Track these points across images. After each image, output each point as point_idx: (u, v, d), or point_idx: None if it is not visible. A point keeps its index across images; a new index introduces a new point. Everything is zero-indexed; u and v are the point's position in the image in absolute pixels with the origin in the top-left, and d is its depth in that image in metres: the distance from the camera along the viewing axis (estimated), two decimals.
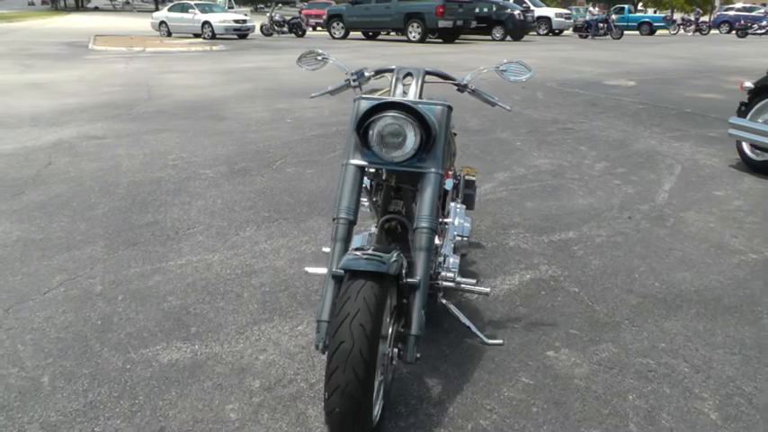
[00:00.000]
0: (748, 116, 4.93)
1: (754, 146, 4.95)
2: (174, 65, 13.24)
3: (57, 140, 5.79)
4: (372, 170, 2.15)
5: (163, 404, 2.20)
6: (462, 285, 2.47)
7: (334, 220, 2.07)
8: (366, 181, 2.42)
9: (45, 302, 2.91)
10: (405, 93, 2.24)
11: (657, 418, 2.09)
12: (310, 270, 2.63)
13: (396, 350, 1.92)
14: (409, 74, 2.27)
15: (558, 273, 3.17)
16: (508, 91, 8.66)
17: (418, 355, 1.94)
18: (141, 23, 31.75)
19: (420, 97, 2.21)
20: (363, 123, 2.01)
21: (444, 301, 2.59)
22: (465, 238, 2.83)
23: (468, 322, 2.56)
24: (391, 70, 2.34)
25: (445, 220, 2.86)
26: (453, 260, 2.64)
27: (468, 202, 3.38)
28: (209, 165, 5.17)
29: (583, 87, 9.79)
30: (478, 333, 2.54)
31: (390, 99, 2.03)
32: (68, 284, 3.09)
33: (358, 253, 1.82)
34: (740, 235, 3.68)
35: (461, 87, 2.35)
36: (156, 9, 40.45)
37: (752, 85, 4.95)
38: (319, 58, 2.50)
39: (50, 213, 4.02)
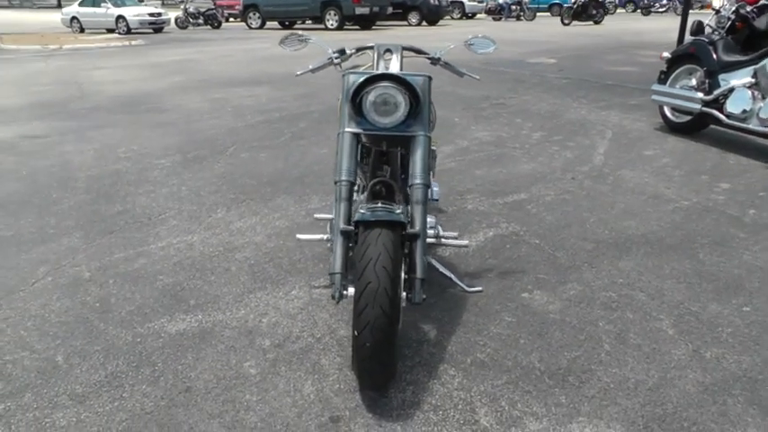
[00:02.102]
0: (668, 83, 5.47)
1: (674, 109, 5.50)
2: (97, 61, 12.83)
3: None
4: (365, 138, 2.36)
5: (182, 368, 2.35)
6: (446, 240, 2.73)
7: (336, 183, 2.28)
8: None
9: (36, 292, 2.96)
10: (387, 67, 2.47)
11: (626, 337, 2.44)
12: (302, 237, 2.82)
13: (404, 293, 2.16)
14: (389, 50, 2.50)
15: (517, 228, 3.49)
16: (435, 72, 8.98)
17: (424, 297, 2.18)
18: (46, 19, 30.18)
19: (401, 70, 2.45)
20: (358, 94, 2.23)
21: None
22: (435, 201, 3.10)
23: (449, 273, 2.84)
24: (371, 47, 2.56)
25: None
26: (430, 219, 2.90)
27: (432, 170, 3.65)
28: (162, 155, 5.20)
29: (507, 66, 10.27)
30: (459, 282, 2.82)
31: (381, 72, 2.25)
32: (55, 274, 3.14)
33: (369, 206, 2.04)
34: (672, 186, 4.14)
35: (434, 61, 2.60)
36: (59, 5, 38.42)
37: (669, 55, 5.50)
38: (301, 39, 2.68)
39: (14, 211, 4.00)
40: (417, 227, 2.20)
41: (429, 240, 2.75)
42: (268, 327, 2.60)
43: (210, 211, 3.94)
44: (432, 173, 3.29)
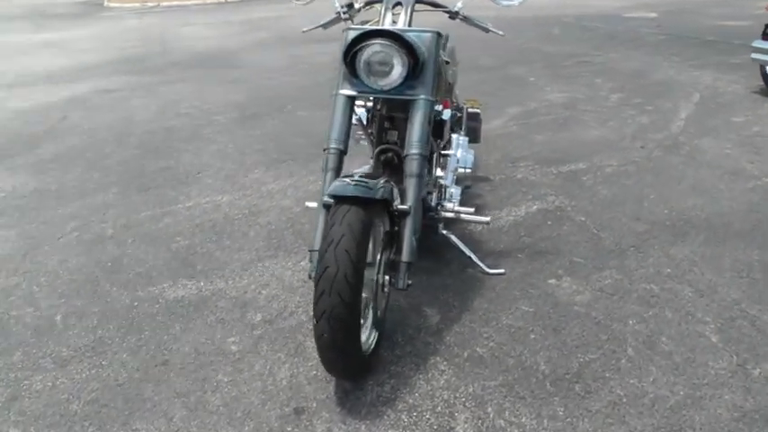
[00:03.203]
0: None
1: None
2: (189, 18, 13.12)
3: (71, 96, 5.83)
4: (362, 101, 2.11)
5: (167, 338, 2.26)
6: (461, 215, 2.45)
7: (324, 150, 2.06)
8: (363, 113, 2.40)
9: (59, 247, 2.98)
10: (394, 22, 2.18)
11: (657, 342, 2.07)
12: (310, 205, 2.63)
13: (387, 278, 1.93)
14: (399, 3, 2.21)
15: (565, 203, 3.12)
16: (521, 29, 8.39)
17: (410, 282, 1.94)
18: None
19: (410, 26, 2.15)
20: (350, 52, 1.98)
21: (445, 232, 2.58)
22: (467, 170, 2.80)
23: (469, 252, 2.56)
24: (380, 0, 2.27)
25: (446, 151, 2.82)
26: (454, 191, 2.61)
27: (473, 135, 3.32)
28: (221, 111, 5.16)
29: (600, 21, 9.40)
30: (479, 263, 2.54)
31: (376, 27, 1.98)
32: (81, 230, 3.15)
33: (346, 179, 1.81)
34: (756, 160, 3.56)
35: (452, 15, 2.28)
36: None
37: None
38: None
39: (65, 165, 4.09)
40: (409, 203, 1.94)
41: (447, 215, 2.49)
42: (265, 300, 2.45)
43: (248, 171, 3.84)
44: (467, 138, 2.99)
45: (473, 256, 2.56)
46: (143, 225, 3.17)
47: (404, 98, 2.04)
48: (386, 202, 1.85)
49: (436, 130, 2.56)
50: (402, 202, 1.94)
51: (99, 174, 3.90)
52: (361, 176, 1.85)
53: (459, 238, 2.70)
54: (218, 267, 2.71)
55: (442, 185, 2.63)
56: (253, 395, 1.95)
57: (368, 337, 1.94)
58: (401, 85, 2.00)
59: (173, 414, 1.90)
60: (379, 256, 1.91)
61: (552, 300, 2.34)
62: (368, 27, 2.01)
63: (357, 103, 2.23)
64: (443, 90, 2.24)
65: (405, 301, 2.39)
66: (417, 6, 2.23)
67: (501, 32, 2.29)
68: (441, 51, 2.17)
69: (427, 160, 2.02)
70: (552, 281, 2.46)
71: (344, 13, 2.31)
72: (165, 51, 8.20)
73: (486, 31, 2.30)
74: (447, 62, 2.29)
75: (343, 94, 2.07)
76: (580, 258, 2.60)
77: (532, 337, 2.14)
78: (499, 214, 3.04)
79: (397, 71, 1.97)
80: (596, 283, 2.42)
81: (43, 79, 6.59)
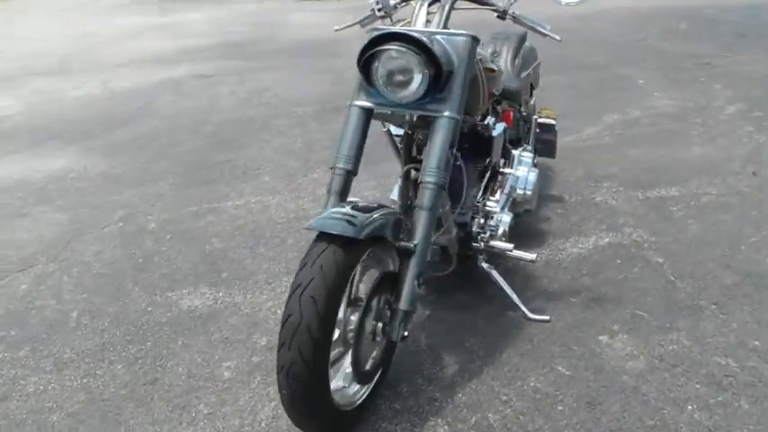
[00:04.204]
0: None
1: None
2: (308, 4, 13.23)
3: (168, 79, 5.96)
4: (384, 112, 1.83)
5: (166, 353, 2.13)
6: (495, 249, 2.13)
7: (331, 169, 1.81)
8: (393, 127, 2.12)
9: (100, 237, 2.96)
10: (428, 21, 1.87)
11: None
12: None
13: (381, 325, 1.65)
14: (436, 0, 1.89)
15: (643, 238, 2.66)
16: (645, 22, 7.59)
17: (405, 334, 1.65)
18: None
19: (445, 27, 1.84)
20: (364, 57, 1.70)
21: (486, 265, 2.26)
22: (527, 193, 2.45)
23: (510, 292, 2.22)
24: None
25: (504, 170, 2.48)
26: (503, 218, 2.28)
27: (547, 150, 2.94)
28: (302, 103, 5.03)
29: (737, 14, 8.24)
30: (521, 305, 2.19)
31: (394, 29, 1.69)
32: (126, 220, 3.12)
33: (334, 210, 1.55)
34: None
35: (501, 14, 1.93)
36: None
37: None
38: None
39: (136, 149, 4.12)
40: (415, 240, 1.64)
41: (476, 245, 2.18)
42: (276, 322, 2.25)
43: (309, 170, 3.66)
44: (531, 154, 2.63)
45: (514, 297, 2.21)
46: (185, 222, 3.08)
47: (424, 114, 1.74)
48: (379, 240, 1.57)
49: (482, 148, 2.23)
50: (409, 239, 1.65)
51: (164, 162, 3.88)
52: (359, 206, 1.59)
53: (504, 271, 2.37)
54: (242, 277, 2.55)
55: (488, 210, 2.29)
56: None
57: (352, 391, 1.68)
58: (423, 97, 1.70)
59: (159, 418, 1.76)
60: (374, 300, 1.64)
61: (597, 363, 1.95)
62: (389, 28, 1.72)
63: None
64: (483, 104, 1.90)
65: (425, 341, 2.10)
66: (459, 3, 1.90)
67: (558, 37, 1.91)
68: (479, 58, 1.84)
69: (443, 190, 1.71)
70: (603, 338, 2.06)
71: (379, 10, 2.02)
72: (272, 37, 8.23)
73: (543, 34, 1.93)
74: (492, 70, 1.95)
75: (358, 106, 1.81)
76: (644, 312, 2.18)
77: (560, 408, 1.78)
78: (562, 245, 2.64)
79: (416, 82, 1.68)
80: (657, 348, 2.00)
81: (148, 61, 6.81)
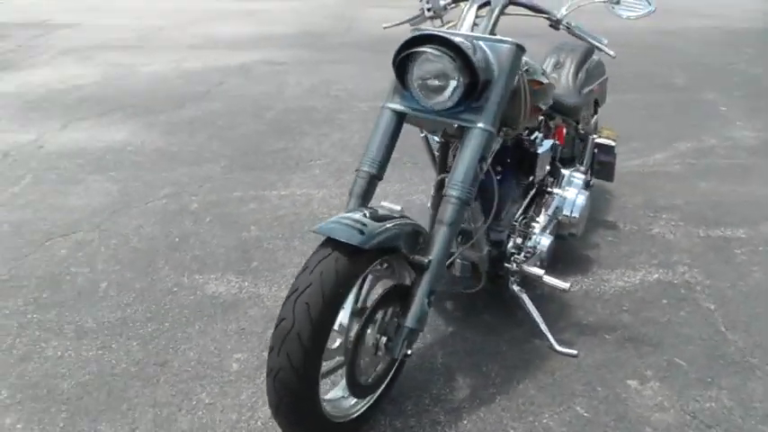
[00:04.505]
0: None
1: None
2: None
3: (240, 63, 6.05)
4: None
5: (181, 337, 2.12)
6: (525, 271, 2.01)
7: (356, 171, 1.74)
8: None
9: (144, 212, 3.01)
10: (476, 25, 1.77)
11: None
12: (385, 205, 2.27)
13: (385, 339, 1.57)
14: (487, 2, 1.79)
15: (697, 279, 2.46)
16: (733, 44, 7.11)
17: (408, 352, 1.57)
18: None
19: (492, 32, 1.73)
20: (399, 58, 1.63)
21: (517, 288, 2.14)
22: (573, 216, 2.31)
23: (539, 319, 2.09)
24: None
25: (552, 189, 2.35)
26: (542, 240, 2.15)
27: (605, 173, 2.78)
28: (368, 98, 4.98)
29: None
30: (549, 335, 2.06)
31: (432, 30, 1.60)
32: (171, 198, 3.16)
33: (344, 216, 1.48)
34: None
35: (554, 23, 1.81)
36: None
37: None
38: None
39: (195, 129, 4.19)
40: (430, 256, 1.55)
41: (508, 266, 2.06)
42: None
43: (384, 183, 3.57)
44: (584, 176, 2.49)
45: (542, 325, 2.08)
46: (228, 206, 3.09)
47: (455, 123, 1.65)
48: (391, 251, 1.49)
49: (526, 164, 2.11)
50: (424, 253, 1.56)
51: (219, 143, 3.92)
52: (376, 213, 1.51)
53: (538, 297, 2.25)
54: (271, 269, 2.53)
55: (527, 231, 2.17)
56: (219, 429, 1.73)
57: (349, 404, 1.62)
58: (457, 105, 1.60)
59: (138, 425, 1.76)
60: (378, 310, 1.56)
61: (620, 409, 1.80)
62: (428, 29, 1.64)
63: None
64: (524, 118, 1.78)
65: (441, 359, 2.01)
66: (511, 9, 1.79)
67: (612, 53, 1.77)
68: (525, 69, 1.73)
69: (467, 206, 1.61)
70: (633, 382, 1.91)
71: (428, 9, 1.94)
72: (349, 30, 8.25)
73: (597, 48, 1.79)
74: (539, 83, 1.82)
75: (390, 108, 1.73)
76: (684, 361, 2.00)
77: None
78: (606, 276, 2.48)
79: (450, 89, 1.59)
80: (692, 403, 1.83)
81: (225, 44, 6.94)
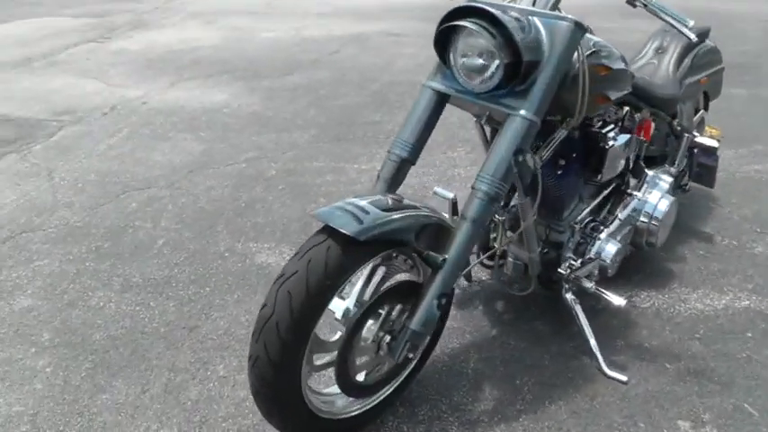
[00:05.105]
0: None
1: None
2: None
3: (358, 33, 6.00)
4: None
5: (218, 303, 2.13)
6: (575, 279, 1.80)
7: (388, 152, 1.61)
8: None
9: (220, 174, 3.06)
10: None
11: None
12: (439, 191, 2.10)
13: (388, 338, 1.44)
14: None
15: None
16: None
17: (411, 356, 1.43)
18: None
19: (554, 8, 1.51)
20: (440, 32, 1.47)
21: (570, 297, 1.92)
22: (652, 223, 2.04)
23: (590, 335, 1.87)
24: None
25: (631, 191, 2.08)
26: (607, 247, 1.91)
27: (705, 177, 2.44)
28: None
29: None
30: (598, 355, 1.84)
31: (478, 3, 1.42)
32: (251, 163, 3.19)
33: (349, 200, 1.36)
34: None
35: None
36: None
37: None
38: None
39: (297, 96, 4.20)
40: (446, 254, 1.40)
41: (561, 272, 1.85)
42: None
43: (450, 148, 3.40)
44: (672, 177, 2.19)
45: (592, 342, 1.85)
46: (304, 175, 3.06)
47: (495, 107, 1.46)
48: (399, 244, 1.35)
49: (594, 160, 1.86)
50: (442, 250, 1.41)
51: (316, 112, 3.90)
52: (389, 202, 1.38)
53: (599, 309, 2.01)
54: None
55: (591, 234, 1.93)
56: (224, 404, 1.70)
57: (342, 402, 1.51)
58: (498, 88, 1.42)
59: (150, 387, 1.78)
60: (382, 304, 1.43)
61: None
62: (474, 3, 1.45)
63: None
64: (582, 109, 1.54)
65: (473, 364, 1.85)
66: None
67: (693, 37, 1.48)
68: (591, 51, 1.50)
69: (496, 202, 1.42)
70: (684, 423, 1.64)
71: None
72: None
73: (677, 30, 1.51)
74: (608, 68, 1.58)
75: (430, 87, 1.58)
76: (755, 410, 1.69)
77: None
78: (685, 295, 2.17)
79: (491, 69, 1.40)
80: None
81: (350, 14, 6.92)
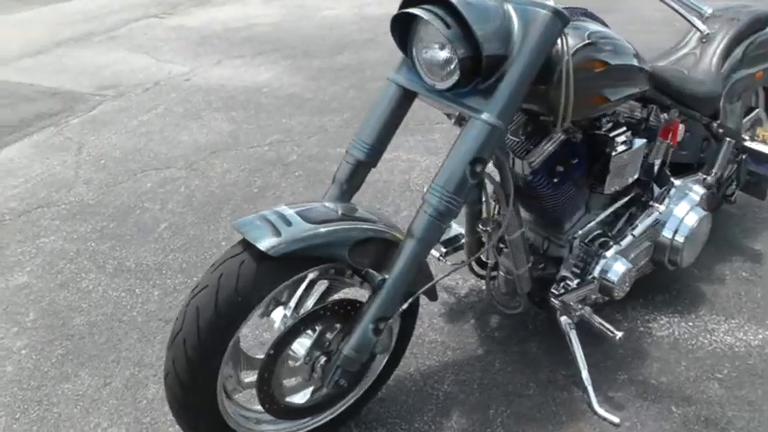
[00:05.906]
0: None
1: None
2: None
3: None
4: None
5: None
6: (563, 303, 1.58)
7: (346, 152, 1.46)
8: None
9: (241, 156, 3.00)
10: None
11: None
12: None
13: (324, 359, 1.30)
14: None
15: None
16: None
17: (342, 382, 1.28)
18: None
19: None
20: (396, 20, 1.29)
21: (565, 321, 1.70)
22: (676, 240, 1.78)
23: (583, 367, 1.65)
24: None
25: (653, 203, 1.82)
26: (614, 265, 1.68)
27: (757, 188, 2.13)
28: None
29: None
30: (590, 390, 1.62)
31: None
32: (275, 145, 3.11)
33: (274, 209, 1.23)
34: None
35: None
36: None
37: None
38: None
39: (340, 77, 4.06)
40: (387, 273, 1.24)
41: (553, 298, 1.64)
42: None
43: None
44: (704, 188, 1.91)
45: (584, 374, 1.63)
46: (324, 161, 2.95)
47: (460, 109, 1.27)
48: (334, 260, 1.21)
49: (598, 167, 1.63)
50: (386, 266, 1.25)
51: (356, 94, 3.77)
52: (336, 212, 1.25)
53: (600, 334, 1.77)
54: None
55: (594, 250, 1.70)
56: None
57: (271, 426, 1.40)
58: (457, 86, 1.23)
59: (112, 380, 1.76)
60: (315, 321, 1.30)
61: None
62: None
63: None
64: (565, 112, 1.31)
65: (446, 386, 1.68)
66: None
67: (704, 28, 1.23)
68: (585, 42, 1.28)
69: (445, 217, 1.24)
70: None
71: None
72: None
73: (691, 21, 1.26)
74: (604, 63, 1.34)
75: (394, 82, 1.40)
76: None
77: None
78: (714, 324, 1.89)
79: (451, 65, 1.22)
80: None
81: None
